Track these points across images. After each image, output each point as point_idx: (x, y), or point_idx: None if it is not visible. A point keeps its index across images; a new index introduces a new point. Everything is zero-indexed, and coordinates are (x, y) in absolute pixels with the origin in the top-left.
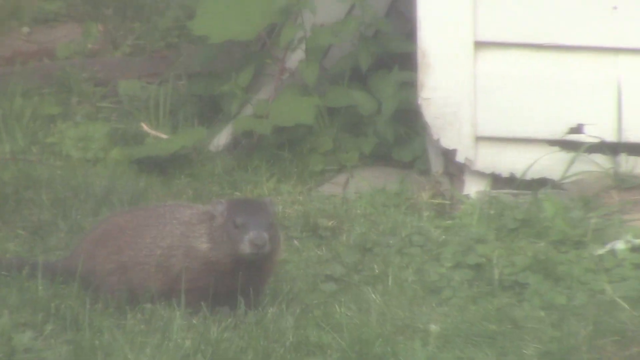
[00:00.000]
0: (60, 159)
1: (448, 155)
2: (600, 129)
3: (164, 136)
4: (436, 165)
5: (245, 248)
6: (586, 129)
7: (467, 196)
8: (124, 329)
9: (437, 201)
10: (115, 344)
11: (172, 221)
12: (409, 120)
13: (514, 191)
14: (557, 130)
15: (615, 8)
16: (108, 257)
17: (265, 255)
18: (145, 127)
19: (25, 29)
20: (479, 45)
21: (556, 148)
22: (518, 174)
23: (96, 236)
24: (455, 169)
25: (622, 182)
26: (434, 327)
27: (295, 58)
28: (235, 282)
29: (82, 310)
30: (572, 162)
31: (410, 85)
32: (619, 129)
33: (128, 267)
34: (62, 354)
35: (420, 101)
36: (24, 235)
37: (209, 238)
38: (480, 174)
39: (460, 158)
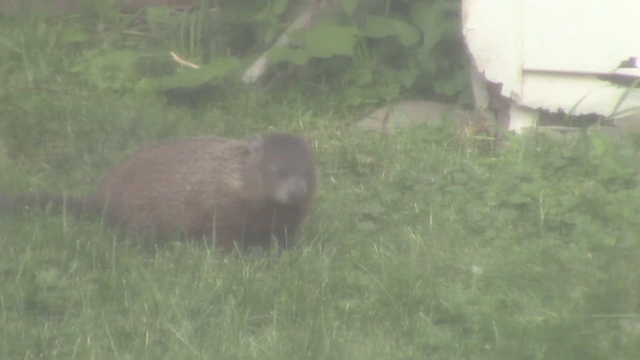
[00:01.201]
0: (86, 89)
1: (493, 89)
2: None
3: (195, 66)
4: (480, 99)
5: (282, 196)
6: (639, 62)
7: (512, 132)
8: (152, 267)
9: (480, 137)
10: (143, 283)
11: (203, 156)
12: (452, 52)
13: (562, 128)
14: (609, 63)
15: None
16: (136, 192)
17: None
18: (175, 56)
19: None
20: None
21: (607, 82)
22: (566, 110)
23: (124, 171)
24: (500, 104)
25: None
26: (476, 269)
27: None
28: (268, 221)
29: (109, 248)
30: (623, 98)
31: (454, 15)
32: None
33: (157, 203)
34: (87, 292)
35: (464, 32)
36: (48, 169)
37: (241, 175)
38: (527, 110)
39: (505, 92)
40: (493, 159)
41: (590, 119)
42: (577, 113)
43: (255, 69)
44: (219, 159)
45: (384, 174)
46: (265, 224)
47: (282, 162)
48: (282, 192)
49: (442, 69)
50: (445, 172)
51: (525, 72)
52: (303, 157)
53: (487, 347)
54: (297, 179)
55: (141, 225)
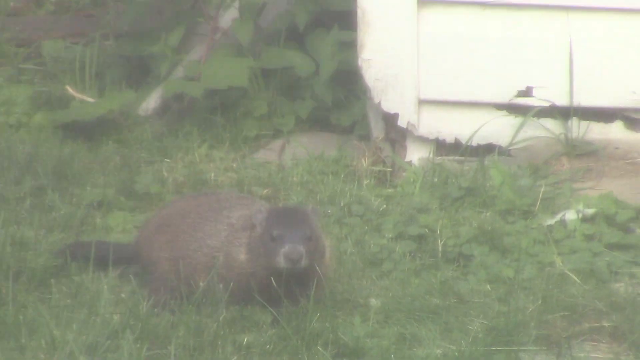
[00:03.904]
0: None
1: (389, 119)
2: (550, 92)
3: (90, 99)
4: (377, 130)
5: (280, 262)
6: (535, 92)
7: (409, 163)
8: (49, 303)
9: (377, 168)
10: (40, 319)
11: (223, 220)
12: (348, 82)
13: (459, 158)
14: (505, 93)
15: None
16: (165, 244)
17: (303, 269)
18: (70, 90)
19: None
20: (423, 3)
21: (504, 112)
22: (463, 140)
23: (159, 220)
24: (397, 135)
25: (573, 149)
26: (374, 302)
27: (229, 17)
28: (276, 290)
29: (6, 284)
30: (520, 127)
31: (350, 46)
32: (570, 92)
33: (179, 258)
34: None
35: (360, 62)
36: None
37: (248, 249)
38: (424, 140)
39: (402, 123)
40: (390, 190)
41: (488, 149)
42: (474, 143)
43: (151, 101)
44: (232, 227)
45: (280, 205)
46: (273, 292)
47: (279, 230)
48: (280, 258)
49: (338, 99)
50: (342, 204)
51: (422, 103)
52: (303, 226)
53: None
54: (294, 245)
55: (163, 277)
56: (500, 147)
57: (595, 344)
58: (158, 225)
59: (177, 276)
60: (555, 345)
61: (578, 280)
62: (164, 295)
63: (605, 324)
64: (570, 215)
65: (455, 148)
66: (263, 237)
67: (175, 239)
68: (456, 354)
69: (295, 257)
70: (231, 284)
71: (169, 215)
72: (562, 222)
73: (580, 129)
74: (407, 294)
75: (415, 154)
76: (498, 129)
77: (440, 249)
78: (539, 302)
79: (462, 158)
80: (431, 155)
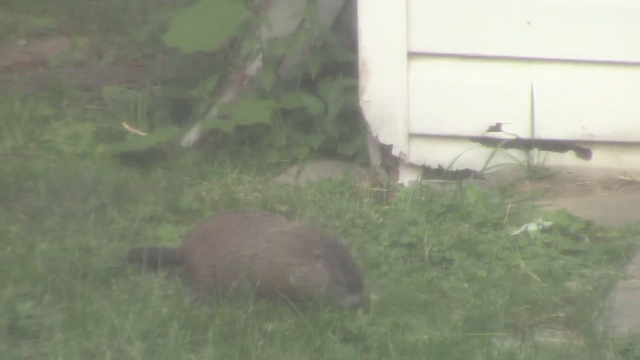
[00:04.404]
0: (54, 153)
1: (385, 150)
2: (515, 127)
3: (142, 134)
4: (375, 158)
5: (346, 305)
6: (504, 127)
7: (401, 185)
8: (110, 298)
9: (375, 189)
10: (103, 311)
11: (256, 235)
12: (351, 119)
13: (442, 181)
14: (479, 128)
15: (528, 23)
16: (204, 253)
17: None
18: (126, 126)
19: (22, 42)
20: (412, 55)
21: (478, 144)
22: (445, 166)
23: (199, 233)
24: (391, 162)
25: (534, 173)
26: (373, 297)
27: (254, 66)
28: None
29: (75, 283)
30: (491, 156)
31: (353, 90)
32: (532, 128)
33: (215, 265)
34: (58, 320)
35: (361, 103)
36: (24, 219)
37: (301, 274)
38: (413, 166)
39: (395, 152)
40: (386, 207)
41: (465, 174)
42: (454, 169)
43: (191, 135)
44: (275, 242)
45: (297, 219)
46: None
47: (349, 279)
48: (346, 303)
49: (344, 133)
50: (347, 218)
51: (411, 136)
52: (360, 271)
53: None
54: (361, 296)
55: (204, 283)
56: (475, 172)
57: (553, 330)
58: (198, 237)
59: (213, 278)
60: (520, 332)
61: (538, 280)
62: (203, 292)
63: (561, 314)
64: (532, 227)
65: (438, 173)
66: (327, 277)
67: (212, 250)
68: (440, 338)
69: (360, 305)
70: (257, 283)
71: (206, 230)
72: (526, 233)
73: (540, 157)
74: (400, 291)
75: (406, 178)
76: (473, 157)
77: (426, 254)
78: (507, 297)
79: (445, 181)
80: (419, 179)
